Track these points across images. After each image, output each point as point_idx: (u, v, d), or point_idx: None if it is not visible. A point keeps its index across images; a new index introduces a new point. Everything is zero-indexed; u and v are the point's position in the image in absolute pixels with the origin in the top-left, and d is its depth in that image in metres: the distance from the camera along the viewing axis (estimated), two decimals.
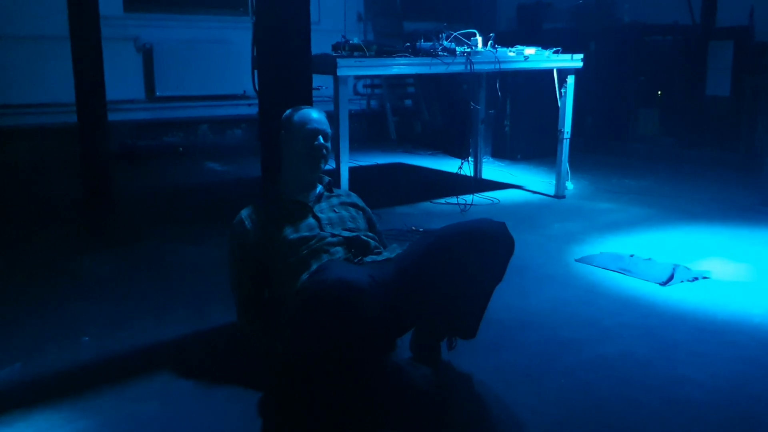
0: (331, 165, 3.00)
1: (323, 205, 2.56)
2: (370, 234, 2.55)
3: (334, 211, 2.54)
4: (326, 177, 2.66)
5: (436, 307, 2.23)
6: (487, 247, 2.21)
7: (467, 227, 2.26)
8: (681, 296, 3.08)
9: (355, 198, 2.71)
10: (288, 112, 2.59)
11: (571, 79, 4.81)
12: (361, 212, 2.63)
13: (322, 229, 2.44)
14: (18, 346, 2.55)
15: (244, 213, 2.51)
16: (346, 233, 2.44)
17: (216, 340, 2.64)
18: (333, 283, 1.92)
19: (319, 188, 2.61)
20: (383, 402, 2.12)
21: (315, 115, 2.55)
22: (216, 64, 6.98)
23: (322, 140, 2.51)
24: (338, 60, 3.79)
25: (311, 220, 2.47)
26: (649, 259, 3.53)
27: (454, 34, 4.33)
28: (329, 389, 2.07)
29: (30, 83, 6.18)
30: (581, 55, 4.81)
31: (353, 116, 7.16)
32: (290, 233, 2.41)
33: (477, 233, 2.21)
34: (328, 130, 2.55)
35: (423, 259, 2.19)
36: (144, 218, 4.52)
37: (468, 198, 4.75)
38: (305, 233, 2.41)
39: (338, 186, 3.31)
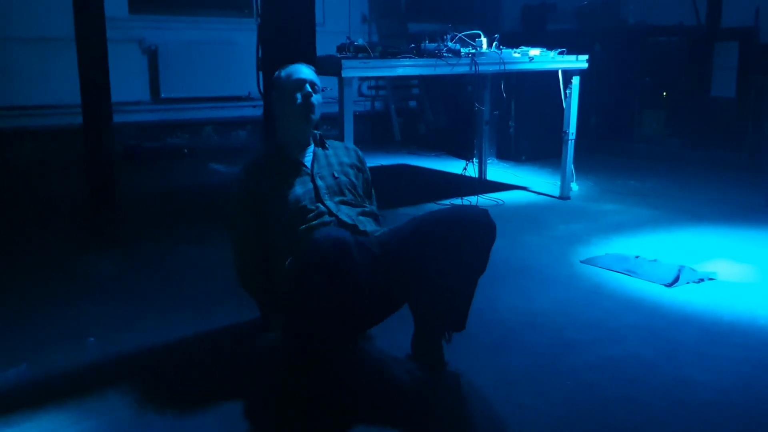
0: None
1: (323, 167, 2.51)
2: (368, 210, 2.51)
3: (334, 176, 2.50)
4: (317, 132, 2.61)
5: (421, 290, 2.27)
6: (468, 231, 2.22)
7: (451, 211, 2.34)
8: (687, 298, 3.07)
9: (354, 156, 2.65)
10: (276, 73, 2.57)
11: (576, 80, 4.80)
12: (360, 174, 2.61)
13: (320, 199, 2.41)
14: (23, 347, 2.56)
15: (247, 169, 2.49)
16: (345, 217, 2.39)
17: (220, 341, 2.65)
18: (320, 240, 1.99)
19: (312, 146, 2.57)
20: (385, 403, 2.12)
21: (301, 67, 2.55)
22: (221, 66, 6.99)
23: (308, 88, 2.48)
24: (343, 61, 3.79)
25: (310, 185, 2.45)
26: (655, 260, 3.52)
27: (459, 35, 4.33)
28: (326, 380, 2.09)
29: (35, 85, 6.20)
30: (586, 56, 4.80)
31: (357, 117, 7.14)
32: (290, 198, 2.40)
33: (459, 216, 2.26)
34: (317, 81, 2.53)
35: (408, 238, 2.28)
36: (148, 219, 4.52)
37: (473, 199, 4.75)
38: (306, 203, 2.39)
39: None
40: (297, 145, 2.55)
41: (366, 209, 2.50)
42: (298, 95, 2.47)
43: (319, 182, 2.46)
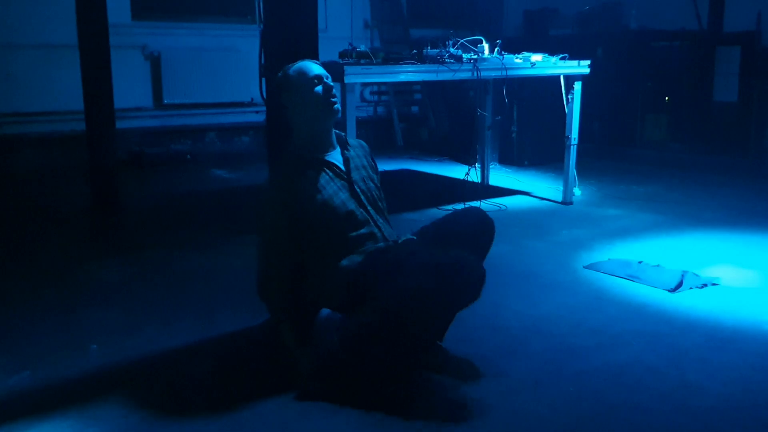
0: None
1: (354, 170, 2.52)
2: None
3: (365, 181, 2.53)
4: (340, 132, 2.60)
5: None
6: (477, 229, 2.52)
7: (460, 212, 2.61)
8: (690, 303, 3.06)
9: (368, 154, 2.66)
10: (280, 74, 2.51)
11: (578, 86, 4.80)
12: (377, 176, 2.65)
13: (363, 205, 2.46)
14: (27, 354, 2.56)
15: (282, 171, 2.44)
16: (384, 228, 2.50)
17: (224, 347, 2.64)
18: (474, 267, 2.17)
19: (338, 148, 2.55)
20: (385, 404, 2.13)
21: (310, 63, 2.50)
22: (223, 72, 7.01)
23: (328, 81, 2.45)
24: (345, 67, 3.79)
25: (348, 191, 2.46)
26: (658, 265, 3.52)
27: (461, 41, 4.34)
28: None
29: (39, 91, 6.22)
30: (588, 62, 4.80)
31: (360, 123, 7.13)
32: (336, 203, 2.40)
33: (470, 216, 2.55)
34: (328, 74, 2.50)
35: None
36: (151, 225, 4.53)
37: (475, 204, 4.74)
38: (352, 208, 2.42)
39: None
40: (322, 144, 2.50)
41: (386, 216, 2.60)
42: (319, 89, 2.43)
43: (358, 188, 2.49)
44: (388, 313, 2.17)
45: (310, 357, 2.26)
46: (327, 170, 2.46)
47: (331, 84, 2.46)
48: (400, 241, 2.52)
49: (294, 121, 2.51)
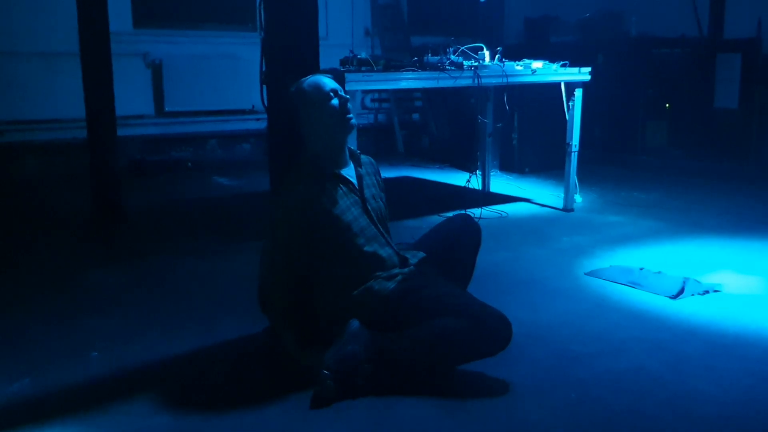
0: None
1: (365, 188, 2.55)
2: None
3: (375, 200, 2.57)
4: (354, 149, 2.62)
5: None
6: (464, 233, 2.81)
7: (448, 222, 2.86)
8: (692, 310, 3.06)
9: (378, 174, 2.69)
10: (293, 89, 2.52)
11: (578, 92, 4.81)
12: (384, 194, 2.68)
13: (374, 222, 2.50)
14: (27, 361, 2.56)
15: (301, 182, 2.44)
16: (394, 244, 2.57)
17: (225, 354, 2.64)
18: (509, 324, 2.32)
19: (351, 164, 2.56)
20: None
21: (323, 77, 2.52)
22: (224, 80, 7.02)
23: (344, 95, 2.48)
24: (346, 74, 3.80)
25: (361, 207, 2.50)
26: (659, 272, 3.51)
27: (462, 48, 4.35)
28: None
29: (41, 99, 6.24)
30: (589, 68, 4.81)
31: (361, 130, 7.14)
32: (350, 218, 2.43)
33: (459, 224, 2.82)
34: (341, 87, 2.53)
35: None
36: (153, 232, 4.53)
37: (476, 211, 4.74)
38: (364, 225, 2.47)
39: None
40: (337, 158, 2.51)
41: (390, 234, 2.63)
42: (335, 103, 2.45)
43: (369, 206, 2.52)
44: (422, 346, 2.27)
45: (330, 355, 2.24)
46: (342, 185, 2.48)
47: (347, 97, 2.48)
48: (412, 261, 2.55)
49: (308, 134, 2.52)
